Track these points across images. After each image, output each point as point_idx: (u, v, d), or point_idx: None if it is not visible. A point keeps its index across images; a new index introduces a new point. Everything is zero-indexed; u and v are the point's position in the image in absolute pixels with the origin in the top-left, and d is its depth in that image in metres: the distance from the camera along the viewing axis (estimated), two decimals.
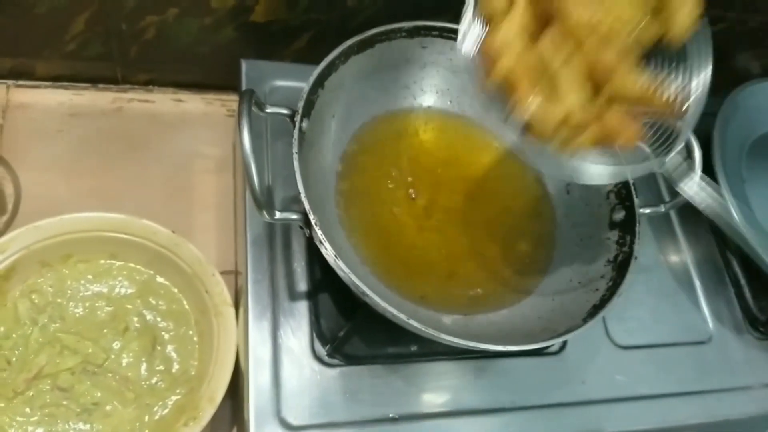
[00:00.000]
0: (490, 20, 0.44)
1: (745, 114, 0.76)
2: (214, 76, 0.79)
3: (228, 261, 0.69)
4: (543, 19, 0.43)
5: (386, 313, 0.45)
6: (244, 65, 0.66)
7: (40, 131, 0.72)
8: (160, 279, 0.65)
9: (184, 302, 0.65)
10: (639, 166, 0.47)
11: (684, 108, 0.47)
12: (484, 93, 0.44)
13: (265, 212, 0.44)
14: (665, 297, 0.70)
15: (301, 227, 0.47)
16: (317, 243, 0.45)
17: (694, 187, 0.50)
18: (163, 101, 0.79)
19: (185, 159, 0.76)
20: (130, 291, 0.64)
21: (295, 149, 0.47)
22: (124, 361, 0.60)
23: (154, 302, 0.64)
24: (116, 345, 0.61)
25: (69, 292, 0.64)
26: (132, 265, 0.65)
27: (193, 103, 0.80)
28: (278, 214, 0.46)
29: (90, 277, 0.64)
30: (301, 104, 0.50)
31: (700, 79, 0.48)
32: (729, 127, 0.74)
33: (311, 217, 0.45)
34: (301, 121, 0.50)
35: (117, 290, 0.64)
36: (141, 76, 0.77)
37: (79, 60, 0.73)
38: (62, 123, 0.74)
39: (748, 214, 0.72)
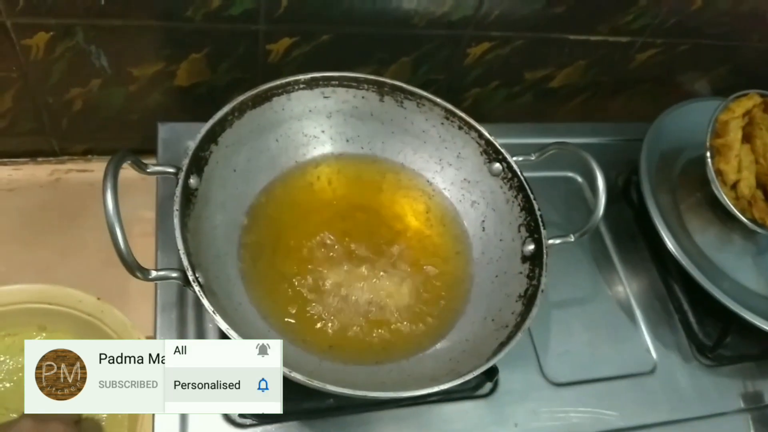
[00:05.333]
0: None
1: (673, 138, 0.76)
2: (151, 141, 0.80)
3: None
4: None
5: None
6: (160, 128, 0.68)
7: None
8: None
9: None
10: None
11: None
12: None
13: (137, 273, 0.44)
14: (604, 329, 0.68)
15: (183, 285, 0.46)
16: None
17: None
18: (102, 169, 0.79)
19: (123, 224, 0.76)
20: None
21: (176, 206, 0.47)
22: None
23: None
24: None
25: None
26: (61, 335, 0.65)
27: (133, 169, 0.81)
28: (153, 274, 0.45)
29: (18, 351, 0.64)
30: (186, 161, 0.50)
31: None
32: (657, 153, 0.73)
33: (189, 274, 0.45)
34: (188, 177, 0.50)
35: None
36: (78, 146, 0.79)
37: (13, 136, 0.75)
38: None
39: (687, 243, 0.70)
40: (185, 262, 0.45)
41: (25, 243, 0.72)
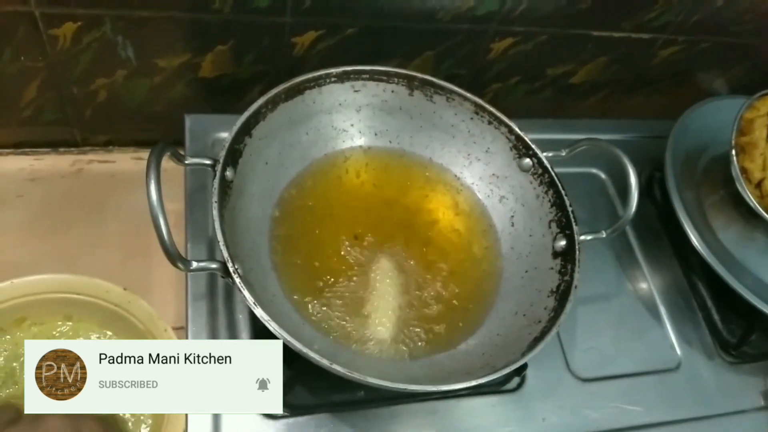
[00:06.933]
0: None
1: (697, 136, 0.76)
2: (173, 132, 0.80)
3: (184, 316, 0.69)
4: None
5: (309, 358, 0.44)
6: (187, 120, 0.68)
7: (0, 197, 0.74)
8: (114, 338, 0.65)
9: None
10: None
11: None
12: None
13: (179, 264, 0.44)
14: (628, 325, 0.68)
15: (222, 277, 0.46)
16: (239, 291, 0.45)
17: None
18: (123, 160, 0.80)
19: (144, 216, 0.75)
20: None
21: (214, 198, 0.47)
22: None
23: None
24: None
25: (23, 356, 0.63)
26: (86, 325, 0.65)
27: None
28: (194, 265, 0.45)
29: (44, 340, 0.64)
30: (222, 153, 0.50)
31: None
32: (681, 151, 0.73)
33: (230, 265, 0.45)
34: (224, 170, 0.50)
35: None
36: (100, 137, 0.79)
37: (37, 126, 0.75)
38: (22, 188, 0.75)
39: (711, 240, 0.71)
40: (225, 254, 0.45)
41: (47, 233, 0.72)
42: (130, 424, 0.60)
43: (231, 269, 0.45)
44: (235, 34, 0.67)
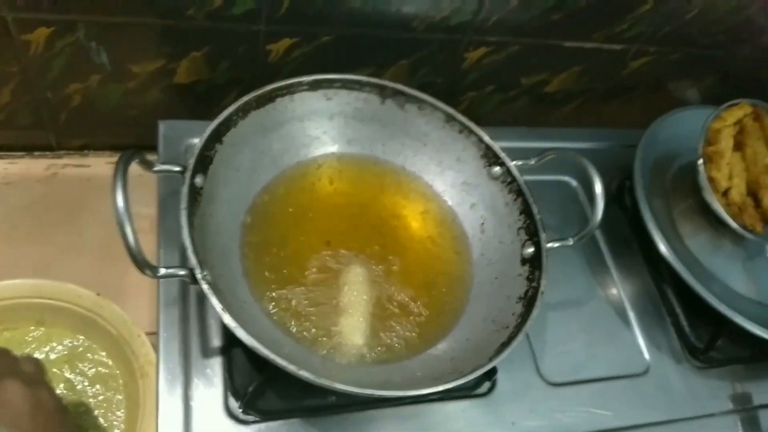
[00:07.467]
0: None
1: (666, 145, 0.77)
2: (148, 137, 0.80)
3: None
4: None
5: (277, 363, 0.44)
6: (161, 126, 0.68)
7: None
8: (87, 343, 0.65)
9: (112, 365, 0.64)
10: None
11: None
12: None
13: (147, 271, 0.44)
14: (598, 331, 0.69)
15: (191, 283, 0.47)
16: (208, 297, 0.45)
17: None
18: (98, 165, 0.80)
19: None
20: (57, 357, 0.64)
21: (182, 205, 0.47)
22: None
23: (81, 367, 0.64)
24: None
25: None
26: (59, 330, 0.65)
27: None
28: (162, 271, 0.46)
29: (16, 345, 0.64)
30: (192, 160, 0.50)
31: None
32: (650, 159, 0.74)
33: (197, 272, 0.45)
34: (194, 176, 0.50)
35: (44, 356, 0.64)
36: (75, 141, 0.79)
37: (11, 129, 0.74)
38: None
39: (679, 247, 0.72)
40: (193, 261, 0.46)
41: (21, 237, 0.72)
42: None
43: (198, 276, 0.45)
44: (209, 40, 0.67)
